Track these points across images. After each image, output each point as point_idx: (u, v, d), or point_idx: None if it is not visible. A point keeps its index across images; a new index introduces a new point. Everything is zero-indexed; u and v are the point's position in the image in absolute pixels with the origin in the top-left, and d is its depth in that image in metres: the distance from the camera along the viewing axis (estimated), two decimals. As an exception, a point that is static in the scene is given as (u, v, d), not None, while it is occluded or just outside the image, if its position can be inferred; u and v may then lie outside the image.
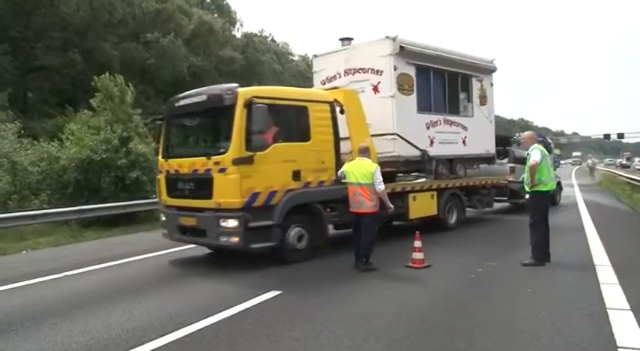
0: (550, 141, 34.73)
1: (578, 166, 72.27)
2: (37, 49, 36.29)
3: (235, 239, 7.52)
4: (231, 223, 7.49)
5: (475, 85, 12.51)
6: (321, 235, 8.67)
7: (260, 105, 7.37)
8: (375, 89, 10.24)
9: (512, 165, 14.69)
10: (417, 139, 10.46)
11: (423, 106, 10.86)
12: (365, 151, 7.93)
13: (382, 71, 10.20)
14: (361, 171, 7.63)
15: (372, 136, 9.38)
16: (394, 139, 10.01)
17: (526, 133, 8.78)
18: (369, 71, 10.38)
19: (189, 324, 5.15)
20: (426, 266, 7.54)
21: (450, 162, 11.75)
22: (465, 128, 11.94)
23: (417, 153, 10.51)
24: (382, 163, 8.69)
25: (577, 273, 7.14)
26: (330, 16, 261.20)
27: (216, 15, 53.57)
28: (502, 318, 5.15)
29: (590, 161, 43.46)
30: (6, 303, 6.39)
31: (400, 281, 6.91)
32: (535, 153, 7.65)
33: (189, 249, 9.83)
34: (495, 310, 5.47)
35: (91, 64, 35.36)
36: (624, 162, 66.78)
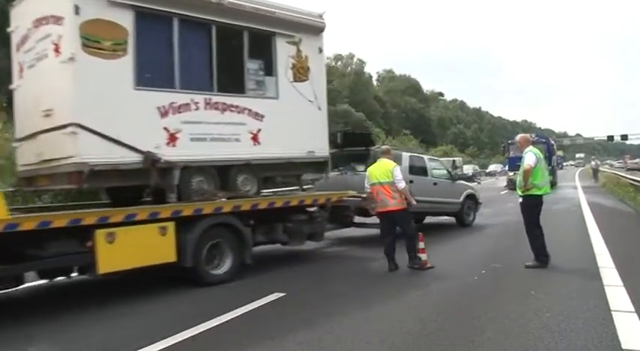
0: (553, 143, 34.84)
1: (581, 168, 72.15)
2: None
3: None
4: None
5: (283, 50, 8.23)
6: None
7: None
8: (57, 49, 6.40)
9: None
10: (134, 132, 6.62)
11: (151, 78, 6.89)
12: (387, 153, 8.28)
13: (63, 18, 6.35)
14: (380, 170, 7.87)
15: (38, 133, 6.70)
16: (74, 133, 6.16)
17: (520, 135, 8.54)
18: (51, 21, 6.54)
19: (192, 326, 5.14)
20: (429, 267, 7.56)
21: (224, 171, 7.63)
22: (258, 116, 7.81)
23: (136, 157, 6.62)
24: (33, 179, 7.03)
25: (581, 275, 7.11)
26: (332, 17, 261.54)
27: None
28: (506, 320, 5.13)
29: (593, 163, 43.27)
30: (19, 303, 6.39)
31: (404, 284, 6.89)
32: (530, 156, 7.55)
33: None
34: (499, 312, 5.45)
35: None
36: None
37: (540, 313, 5.31)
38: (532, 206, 7.66)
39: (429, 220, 13.24)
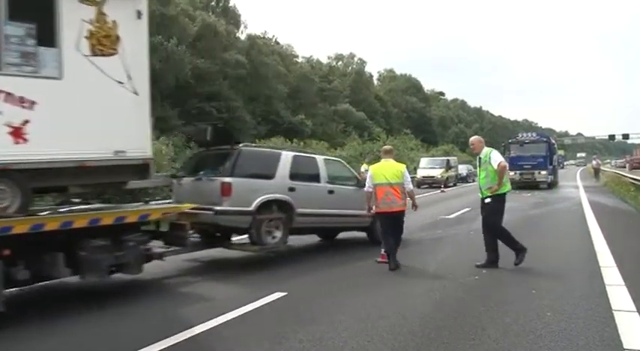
0: (554, 142, 34.80)
1: (582, 167, 72.10)
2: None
3: None
4: None
5: (73, 12, 5.86)
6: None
7: None
8: None
9: (228, 180, 7.66)
10: None
11: None
12: (390, 152, 8.26)
13: None
14: (391, 171, 7.86)
15: None
16: None
17: (474, 137, 8.32)
18: None
19: (194, 326, 5.15)
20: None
21: None
22: (25, 103, 5.50)
23: None
24: None
25: (582, 274, 7.12)
26: (333, 18, 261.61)
27: (217, 18, 53.67)
28: (507, 320, 5.14)
29: (594, 162, 43.20)
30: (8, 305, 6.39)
31: (404, 283, 6.90)
32: (497, 154, 7.64)
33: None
34: (500, 311, 5.45)
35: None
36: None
37: (541, 312, 5.32)
38: (501, 206, 7.69)
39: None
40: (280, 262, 8.47)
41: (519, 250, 7.57)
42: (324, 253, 8.80)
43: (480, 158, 7.83)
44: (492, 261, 7.58)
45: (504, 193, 7.67)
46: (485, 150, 7.76)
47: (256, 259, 8.77)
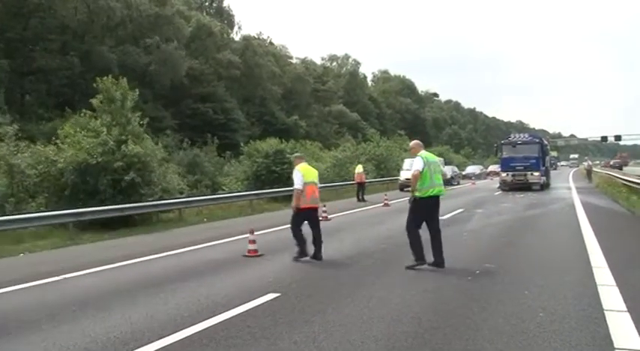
0: (546, 143, 34.96)
1: (575, 169, 72.50)
2: (35, 52, 36.27)
3: None
4: None
5: None
6: None
7: None
8: None
9: None
10: None
11: None
12: (303, 157, 9.68)
13: None
14: (315, 173, 9.22)
15: None
16: None
17: (414, 141, 8.70)
18: None
19: (188, 326, 5.15)
20: (259, 255, 8.86)
21: None
22: None
23: None
24: None
25: (575, 274, 7.16)
26: (328, 19, 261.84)
27: (212, 19, 53.58)
28: (500, 320, 5.16)
29: (585, 164, 43.46)
30: (3, 306, 6.38)
31: (398, 284, 6.91)
32: (417, 162, 7.83)
33: (186, 252, 9.89)
34: (493, 311, 5.48)
35: (88, 67, 35.40)
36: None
37: (534, 312, 5.35)
38: (415, 207, 7.88)
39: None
40: (273, 264, 8.49)
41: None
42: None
43: None
44: (419, 258, 7.75)
45: (422, 198, 7.82)
46: (418, 154, 8.00)
47: (250, 261, 8.78)
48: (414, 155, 8.18)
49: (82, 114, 16.94)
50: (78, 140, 15.22)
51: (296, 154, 10.17)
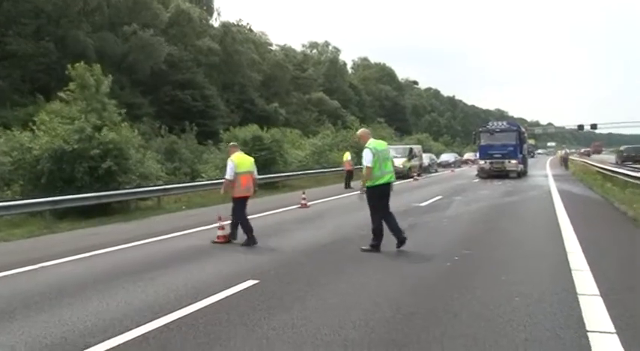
0: (524, 130, 35.32)
1: (552, 157, 73.56)
2: (8, 37, 35.41)
3: None
4: None
5: None
6: None
7: None
8: None
9: None
10: None
11: None
12: (237, 146, 9.71)
13: None
14: (249, 161, 9.34)
15: None
16: None
17: (361, 130, 8.90)
18: None
19: (166, 314, 5.13)
20: (227, 241, 8.97)
21: None
22: None
23: None
24: None
25: (550, 260, 7.29)
26: (308, 5, 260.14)
27: (191, 5, 52.78)
28: (477, 305, 5.24)
29: (562, 152, 44.14)
30: (-22, 295, 6.28)
31: (378, 270, 6.96)
32: (367, 156, 7.92)
33: (165, 240, 9.83)
34: (471, 297, 5.55)
35: (65, 52, 34.74)
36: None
37: (510, 297, 5.44)
38: (371, 197, 8.06)
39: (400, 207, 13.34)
40: (252, 250, 8.49)
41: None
42: (295, 241, 8.82)
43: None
44: (375, 246, 7.97)
45: (373, 187, 7.99)
46: (367, 145, 8.09)
47: (228, 248, 8.76)
48: (363, 144, 8.28)
49: (57, 101, 16.63)
50: (53, 127, 14.96)
51: (231, 143, 10.19)
